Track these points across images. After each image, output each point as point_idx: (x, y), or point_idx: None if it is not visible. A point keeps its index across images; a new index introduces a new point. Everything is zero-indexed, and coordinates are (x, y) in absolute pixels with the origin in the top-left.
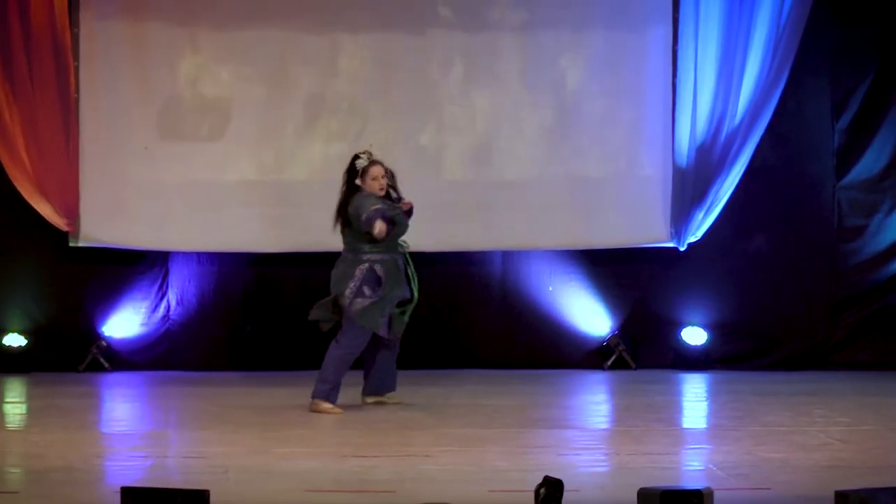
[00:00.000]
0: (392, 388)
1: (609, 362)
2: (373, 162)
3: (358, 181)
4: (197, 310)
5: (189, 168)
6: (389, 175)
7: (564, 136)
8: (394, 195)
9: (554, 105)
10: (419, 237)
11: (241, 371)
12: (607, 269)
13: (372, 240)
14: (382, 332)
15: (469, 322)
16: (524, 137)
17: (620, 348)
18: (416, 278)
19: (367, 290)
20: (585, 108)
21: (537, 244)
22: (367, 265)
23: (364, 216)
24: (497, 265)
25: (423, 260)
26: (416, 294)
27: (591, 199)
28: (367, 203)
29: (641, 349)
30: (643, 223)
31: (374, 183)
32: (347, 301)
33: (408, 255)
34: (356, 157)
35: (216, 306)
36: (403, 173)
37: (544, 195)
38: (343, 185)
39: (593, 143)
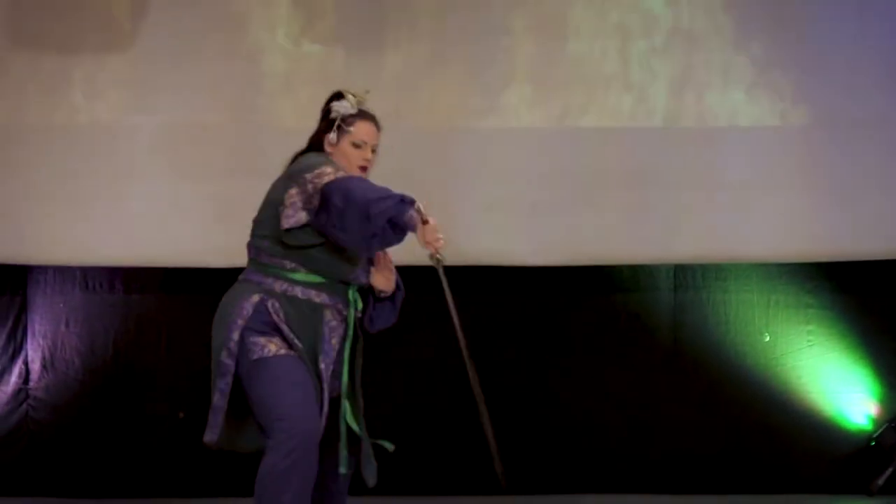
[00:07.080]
0: None
1: (881, 480)
2: (365, 114)
3: (331, 136)
4: (80, 379)
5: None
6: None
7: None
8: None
9: None
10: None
11: (164, 498)
12: (876, 302)
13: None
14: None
15: (604, 407)
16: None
17: None
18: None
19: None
20: None
21: (741, 253)
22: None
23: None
24: (663, 293)
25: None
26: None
27: (843, 168)
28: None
29: None
30: None
31: (355, 153)
32: None
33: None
34: (339, 94)
35: (118, 370)
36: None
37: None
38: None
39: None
